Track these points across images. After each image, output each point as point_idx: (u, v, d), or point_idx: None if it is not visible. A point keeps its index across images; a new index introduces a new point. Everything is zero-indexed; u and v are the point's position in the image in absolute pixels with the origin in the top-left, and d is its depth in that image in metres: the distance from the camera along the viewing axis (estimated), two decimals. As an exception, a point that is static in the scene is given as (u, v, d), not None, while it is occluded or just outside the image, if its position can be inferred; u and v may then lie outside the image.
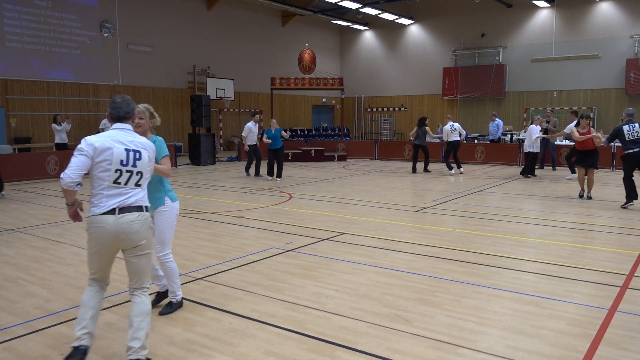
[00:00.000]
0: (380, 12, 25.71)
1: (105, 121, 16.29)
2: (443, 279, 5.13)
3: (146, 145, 3.40)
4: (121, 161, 3.23)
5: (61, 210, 9.37)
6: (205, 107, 19.45)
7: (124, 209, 3.23)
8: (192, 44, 22.34)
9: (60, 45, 18.12)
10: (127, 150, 3.27)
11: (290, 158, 19.71)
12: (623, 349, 3.56)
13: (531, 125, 14.30)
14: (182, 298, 4.41)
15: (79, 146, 3.23)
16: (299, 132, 24.65)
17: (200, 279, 5.20)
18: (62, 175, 3.15)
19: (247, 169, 14.79)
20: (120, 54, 19.87)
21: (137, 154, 3.31)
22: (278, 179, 13.66)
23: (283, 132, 13.82)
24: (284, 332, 3.87)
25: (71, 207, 3.34)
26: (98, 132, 15.06)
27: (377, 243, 6.67)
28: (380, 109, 28.76)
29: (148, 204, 3.43)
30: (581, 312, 4.25)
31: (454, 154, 15.39)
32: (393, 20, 27.29)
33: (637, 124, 9.19)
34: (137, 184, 3.32)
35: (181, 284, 4.99)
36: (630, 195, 9.30)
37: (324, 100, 29.65)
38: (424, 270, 5.45)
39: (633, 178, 9.39)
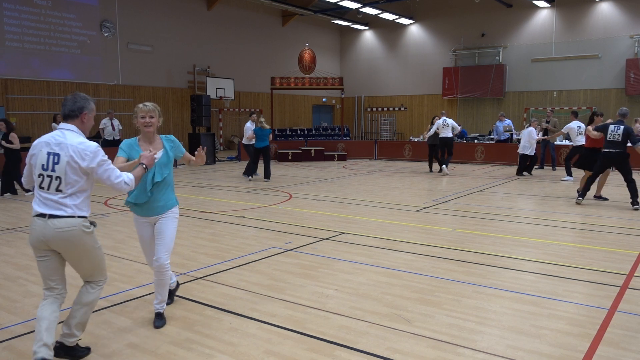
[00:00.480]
0: (380, 11, 25.70)
1: (105, 121, 16.29)
2: (443, 278, 5.14)
3: (71, 148, 3.19)
4: (42, 165, 3.19)
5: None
6: (205, 106, 19.44)
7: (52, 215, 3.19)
8: (192, 44, 22.34)
9: (61, 44, 18.11)
10: (49, 154, 3.19)
11: (290, 158, 19.71)
12: (623, 349, 3.56)
13: (530, 128, 14.31)
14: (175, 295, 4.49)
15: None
16: (298, 131, 24.65)
17: (200, 278, 5.20)
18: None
19: (253, 170, 13.96)
20: (120, 53, 19.87)
21: (56, 157, 3.18)
22: (266, 180, 13.25)
23: (271, 135, 13.46)
24: (284, 332, 3.87)
25: None
26: (98, 132, 14.92)
27: (377, 243, 6.67)
28: (380, 109, 28.75)
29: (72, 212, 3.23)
30: (581, 311, 4.26)
31: (442, 152, 15.03)
32: (393, 20, 27.29)
33: (622, 127, 9.20)
34: (58, 189, 3.19)
35: (181, 284, 5.01)
36: (585, 191, 9.67)
37: (324, 100, 29.65)
38: (424, 270, 5.45)
39: (597, 179, 9.75)
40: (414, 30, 28.04)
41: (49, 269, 3.30)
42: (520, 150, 14.44)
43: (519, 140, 15.68)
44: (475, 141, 20.23)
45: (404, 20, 27.56)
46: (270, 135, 13.46)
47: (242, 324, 4.03)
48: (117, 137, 16.52)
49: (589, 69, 23.18)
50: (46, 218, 3.15)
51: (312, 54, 23.49)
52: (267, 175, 13.30)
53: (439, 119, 15.02)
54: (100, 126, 16.34)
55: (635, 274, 5.27)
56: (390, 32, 28.74)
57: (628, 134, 9.14)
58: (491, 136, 20.36)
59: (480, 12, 25.23)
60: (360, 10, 25.06)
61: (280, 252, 6.21)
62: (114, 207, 9.49)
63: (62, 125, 3.27)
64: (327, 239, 6.91)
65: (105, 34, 19.36)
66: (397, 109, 28.32)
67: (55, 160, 3.16)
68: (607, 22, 22.68)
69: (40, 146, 3.21)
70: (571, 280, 5.10)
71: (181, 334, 3.85)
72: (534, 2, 23.41)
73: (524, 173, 14.38)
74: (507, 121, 18.87)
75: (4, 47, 16.68)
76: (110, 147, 16.02)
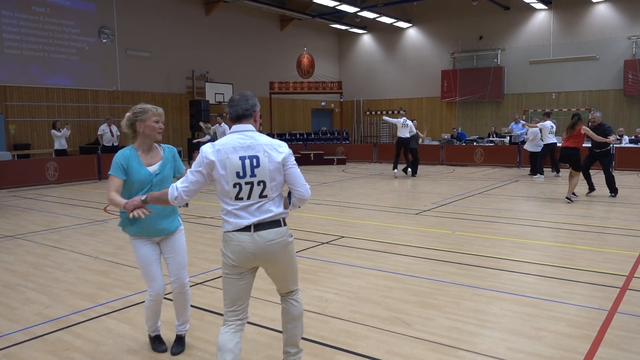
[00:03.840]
0: (378, 15, 25.74)
1: (104, 127, 16.29)
2: (443, 281, 5.13)
3: (266, 147, 2.90)
4: (237, 173, 2.82)
5: (60, 216, 9.37)
6: (204, 112, 19.46)
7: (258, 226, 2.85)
8: (191, 49, 22.37)
9: (59, 51, 18.13)
10: (243, 158, 2.83)
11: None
12: (623, 350, 3.56)
13: (536, 128, 14.58)
14: None
15: (197, 158, 2.89)
16: (298, 135, 24.67)
17: (200, 283, 5.20)
18: (171, 190, 2.96)
19: None
20: (119, 59, 19.89)
21: (254, 160, 2.85)
22: None
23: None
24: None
25: (144, 203, 3.08)
26: (97, 138, 14.87)
27: (377, 246, 6.67)
28: (379, 112, 28.77)
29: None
30: (581, 313, 4.25)
31: (404, 153, 14.94)
32: (391, 23, 27.33)
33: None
34: (262, 195, 2.86)
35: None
36: (590, 188, 11.08)
37: (322, 103, 29.66)
38: (423, 272, 5.45)
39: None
40: (412, 34, 28.09)
41: (242, 290, 2.95)
42: (530, 149, 14.78)
43: (523, 142, 15.95)
44: (475, 143, 20.23)
45: (402, 24, 27.61)
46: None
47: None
48: (116, 143, 16.52)
49: (587, 71, 23.21)
50: (252, 231, 2.82)
51: (310, 58, 23.52)
52: None
53: (400, 117, 15.05)
54: (99, 132, 16.35)
55: (635, 275, 5.27)
56: (388, 36, 28.79)
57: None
58: (505, 139, 20.41)
59: (478, 15, 25.28)
60: (358, 14, 25.11)
61: (280, 256, 6.20)
62: (113, 214, 9.49)
63: (238, 127, 2.92)
64: (326, 242, 6.91)
65: (104, 40, 19.39)
66: (396, 112, 28.30)
67: (255, 164, 2.82)
68: (604, 24, 22.72)
69: (225, 152, 2.83)
70: (571, 281, 5.10)
71: (181, 340, 3.84)
72: (532, 4, 23.46)
73: (537, 175, 14.45)
74: (522, 122, 18.91)
75: (3, 54, 16.69)
76: (109, 153, 16.09)
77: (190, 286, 5.09)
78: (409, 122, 14.80)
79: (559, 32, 23.74)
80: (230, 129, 3.00)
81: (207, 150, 2.86)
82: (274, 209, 2.88)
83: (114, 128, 16.50)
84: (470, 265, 5.72)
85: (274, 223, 2.88)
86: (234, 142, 2.85)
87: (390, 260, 5.98)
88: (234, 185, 2.82)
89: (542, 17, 24.12)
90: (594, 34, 22.91)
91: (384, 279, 5.21)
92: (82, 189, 13.41)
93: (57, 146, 15.55)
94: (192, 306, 4.54)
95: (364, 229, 7.83)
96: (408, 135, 14.72)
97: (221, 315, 4.29)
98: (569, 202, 10.06)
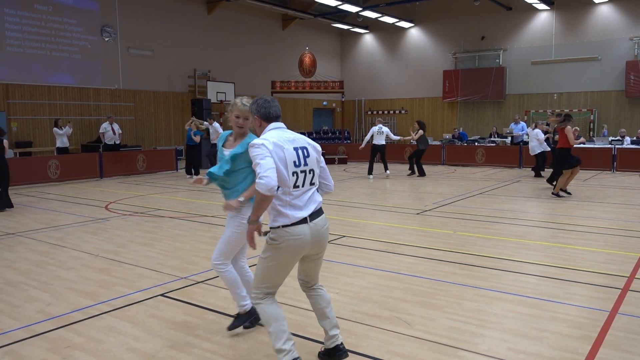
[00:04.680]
0: (380, 15, 25.73)
1: (105, 125, 16.30)
2: (444, 281, 5.13)
3: (308, 142, 3.18)
4: (294, 162, 3.02)
5: (62, 214, 9.38)
6: (206, 110, 19.48)
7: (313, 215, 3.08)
8: (193, 48, 22.38)
9: (61, 49, 18.14)
10: (297, 149, 3.06)
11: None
12: (624, 351, 3.55)
13: (536, 130, 14.67)
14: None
15: (258, 150, 2.93)
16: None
17: (201, 282, 5.21)
18: (259, 181, 2.81)
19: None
20: (121, 58, 19.90)
21: (305, 151, 3.10)
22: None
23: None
24: (284, 336, 3.86)
25: (255, 224, 3.02)
26: (98, 137, 14.73)
27: (378, 246, 6.67)
28: (380, 112, 28.76)
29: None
30: (582, 314, 4.25)
31: (381, 157, 15.08)
32: (393, 23, 27.32)
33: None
34: (312, 183, 3.13)
35: (182, 288, 5.01)
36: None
37: (324, 103, 29.66)
38: (424, 272, 5.45)
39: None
40: (414, 34, 28.08)
41: (284, 276, 3.18)
42: (532, 152, 14.89)
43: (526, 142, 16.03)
44: (476, 144, 20.23)
45: (404, 24, 27.60)
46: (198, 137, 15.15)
47: (242, 327, 4.03)
48: (118, 142, 16.54)
49: (589, 71, 23.19)
50: (308, 222, 3.04)
51: (312, 58, 23.52)
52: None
53: (376, 125, 15.10)
54: (101, 130, 16.36)
55: (636, 276, 5.26)
56: (390, 36, 28.78)
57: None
58: (506, 139, 20.43)
59: (480, 15, 25.26)
60: (361, 13, 25.10)
61: (281, 255, 6.20)
62: (115, 212, 9.50)
63: (277, 124, 3.16)
64: (328, 242, 6.90)
65: (106, 39, 19.41)
66: (397, 112, 28.33)
67: (306, 154, 3.08)
68: (606, 24, 22.69)
69: (281, 144, 3.00)
70: (572, 282, 5.10)
71: (182, 338, 3.85)
72: (534, 4, 23.44)
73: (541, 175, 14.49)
74: (522, 123, 18.91)
75: (5, 52, 16.72)
76: (111, 151, 16.11)
77: (191, 285, 5.11)
78: (385, 129, 14.94)
79: (561, 32, 23.71)
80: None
81: (262, 142, 2.96)
82: (319, 198, 3.18)
83: (116, 126, 16.51)
84: (472, 265, 5.71)
85: (321, 210, 3.16)
86: (282, 136, 3.07)
87: (392, 260, 5.98)
88: (293, 174, 3.00)
89: (544, 18, 24.09)
90: (596, 35, 22.88)
91: (385, 279, 5.22)
92: (83, 187, 13.42)
93: (59, 144, 15.57)
94: (192, 304, 4.55)
95: (366, 228, 7.83)
96: (383, 142, 14.86)
97: (223, 314, 4.30)
98: (556, 197, 10.63)
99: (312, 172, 3.10)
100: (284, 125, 3.18)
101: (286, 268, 3.14)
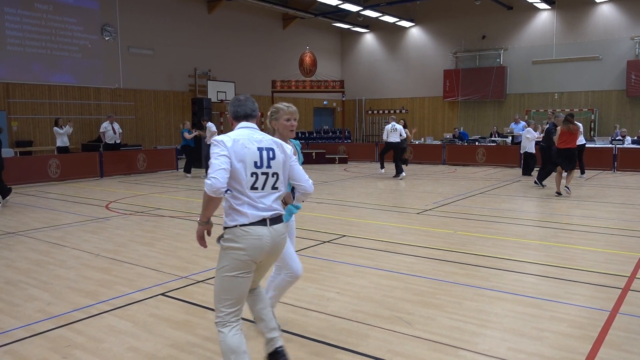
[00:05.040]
0: (381, 14, 25.72)
1: (106, 124, 16.30)
2: (444, 281, 5.13)
3: (275, 142, 3.01)
4: (255, 163, 2.86)
5: (62, 213, 9.38)
6: (207, 110, 19.47)
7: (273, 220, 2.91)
8: (193, 47, 22.38)
9: (62, 48, 18.15)
10: (260, 150, 2.90)
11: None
12: (625, 351, 3.55)
13: (528, 129, 14.75)
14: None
15: (215, 147, 2.83)
16: (299, 134, 24.68)
17: (201, 281, 5.20)
18: (207, 182, 2.70)
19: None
20: (121, 57, 19.91)
21: (271, 152, 2.93)
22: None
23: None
24: (285, 335, 3.86)
25: (205, 225, 2.94)
26: (99, 136, 14.76)
27: (379, 245, 6.67)
28: (381, 111, 28.75)
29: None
30: (583, 314, 4.25)
31: (393, 156, 14.98)
32: (394, 22, 27.31)
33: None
34: (274, 187, 2.94)
35: (182, 287, 5.01)
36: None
37: (325, 102, 29.66)
38: (425, 272, 5.44)
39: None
40: (415, 33, 28.07)
41: (247, 288, 2.93)
42: (522, 150, 15.03)
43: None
44: (477, 143, 20.21)
45: (405, 23, 27.59)
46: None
47: (243, 327, 4.02)
48: (118, 141, 16.53)
49: (590, 71, 23.17)
50: (268, 225, 2.86)
51: (313, 57, 23.52)
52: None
53: (389, 123, 15.00)
54: (101, 130, 16.35)
55: (637, 276, 5.25)
56: (391, 35, 28.77)
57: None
58: (507, 139, 20.40)
59: (481, 15, 25.24)
60: (361, 13, 25.09)
61: (282, 255, 6.20)
62: (115, 211, 9.50)
63: (247, 123, 3.01)
64: (328, 241, 6.91)
65: (107, 38, 19.40)
66: (398, 111, 28.29)
67: (271, 156, 2.90)
68: (607, 24, 22.68)
69: (243, 143, 2.85)
70: (573, 282, 5.09)
71: (183, 337, 3.84)
72: (535, 4, 23.42)
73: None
74: (523, 123, 18.89)
75: (6, 52, 16.72)
76: (112, 150, 16.11)
77: (192, 284, 5.11)
78: (398, 126, 14.72)
79: (561, 32, 23.69)
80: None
81: (223, 139, 2.84)
82: (279, 205, 2.97)
83: (116, 125, 16.51)
84: (472, 265, 5.71)
85: (281, 217, 2.97)
86: (248, 135, 2.92)
87: (392, 259, 5.97)
88: (252, 175, 2.84)
89: (545, 17, 24.08)
90: (597, 34, 22.86)
91: (386, 279, 5.21)
92: (84, 186, 13.42)
93: (59, 143, 15.57)
94: (193, 304, 4.55)
95: (366, 228, 7.82)
96: (398, 139, 14.67)
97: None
98: (558, 196, 10.87)
99: (275, 176, 2.91)
100: (254, 126, 3.03)
101: (247, 276, 2.87)
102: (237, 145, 2.82)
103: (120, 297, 4.75)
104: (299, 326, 4.01)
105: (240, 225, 2.81)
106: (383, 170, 15.37)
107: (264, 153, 2.89)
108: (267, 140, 2.96)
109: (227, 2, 22.95)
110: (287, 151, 3.02)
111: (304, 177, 3.11)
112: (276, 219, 2.91)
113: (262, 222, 2.84)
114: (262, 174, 2.87)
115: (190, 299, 4.65)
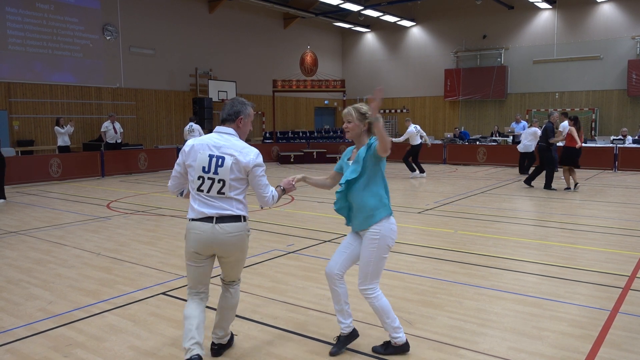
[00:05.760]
0: (381, 14, 25.70)
1: (107, 124, 16.31)
2: (445, 280, 5.13)
3: (237, 151, 3.16)
4: (203, 168, 3.13)
5: (63, 212, 9.40)
6: (208, 109, 19.48)
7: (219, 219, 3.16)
8: (194, 47, 22.39)
9: (63, 48, 18.16)
10: (211, 157, 3.13)
11: (292, 160, 19.73)
12: (625, 350, 3.55)
13: (533, 128, 14.58)
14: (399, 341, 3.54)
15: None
16: (300, 134, 24.69)
17: (202, 281, 5.21)
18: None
19: None
20: (122, 56, 19.91)
21: (220, 160, 3.13)
22: None
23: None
24: (285, 334, 3.87)
25: None
26: (100, 136, 14.91)
27: (379, 245, 6.66)
28: (382, 111, 28.72)
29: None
30: (583, 313, 4.25)
31: (414, 158, 15.10)
32: (395, 22, 27.30)
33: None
34: (220, 192, 3.15)
35: (183, 286, 5.01)
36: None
37: (325, 102, 29.66)
38: (425, 271, 5.45)
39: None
40: (416, 33, 28.05)
41: (202, 275, 3.27)
42: (522, 149, 14.88)
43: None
44: (477, 143, 20.20)
45: (406, 23, 27.57)
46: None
47: (243, 326, 4.04)
48: (119, 140, 16.54)
49: (591, 71, 23.15)
50: (213, 222, 3.12)
51: (313, 57, 23.52)
52: None
53: (408, 126, 15.15)
54: (102, 129, 16.36)
55: (637, 275, 5.26)
56: (391, 34, 28.75)
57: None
58: (508, 138, 20.38)
59: (482, 14, 25.23)
60: (362, 12, 25.08)
61: (282, 254, 6.21)
62: (116, 210, 9.51)
63: (220, 128, 3.26)
64: (329, 241, 6.91)
65: (108, 38, 19.41)
66: (399, 111, 28.29)
67: (219, 163, 3.12)
68: (608, 24, 22.65)
69: (199, 148, 3.16)
70: (573, 281, 5.09)
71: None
72: (536, 3, 23.40)
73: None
74: (523, 123, 18.86)
75: (7, 51, 16.73)
76: (113, 150, 16.13)
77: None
78: (418, 128, 15.02)
79: (563, 31, 23.67)
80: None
81: (186, 145, 3.25)
82: (232, 206, 3.16)
83: (117, 125, 16.52)
84: (473, 264, 5.71)
85: (234, 218, 3.17)
86: (210, 141, 3.19)
87: (393, 258, 5.98)
88: (199, 178, 3.15)
89: (546, 17, 24.05)
90: (598, 34, 22.84)
91: (386, 278, 5.21)
92: (85, 185, 13.44)
93: (60, 143, 15.58)
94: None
95: (366, 227, 7.82)
96: (420, 141, 14.99)
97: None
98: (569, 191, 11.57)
99: (221, 182, 3.12)
100: (225, 130, 3.23)
101: (194, 265, 3.22)
102: (192, 150, 3.18)
103: (121, 296, 4.76)
104: (299, 325, 4.02)
105: (190, 220, 3.19)
106: (425, 173, 15.11)
107: (213, 160, 3.12)
108: (226, 147, 3.15)
109: (228, 2, 22.95)
110: (243, 159, 3.13)
111: (262, 191, 3.26)
112: (224, 219, 3.14)
113: (207, 219, 3.13)
114: (209, 178, 3.13)
115: (191, 298, 4.65)
